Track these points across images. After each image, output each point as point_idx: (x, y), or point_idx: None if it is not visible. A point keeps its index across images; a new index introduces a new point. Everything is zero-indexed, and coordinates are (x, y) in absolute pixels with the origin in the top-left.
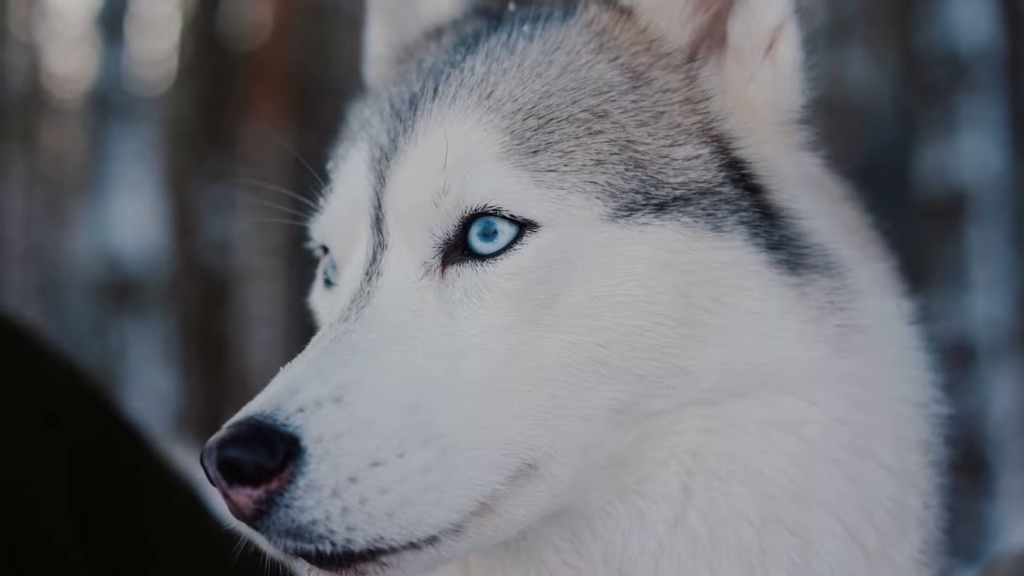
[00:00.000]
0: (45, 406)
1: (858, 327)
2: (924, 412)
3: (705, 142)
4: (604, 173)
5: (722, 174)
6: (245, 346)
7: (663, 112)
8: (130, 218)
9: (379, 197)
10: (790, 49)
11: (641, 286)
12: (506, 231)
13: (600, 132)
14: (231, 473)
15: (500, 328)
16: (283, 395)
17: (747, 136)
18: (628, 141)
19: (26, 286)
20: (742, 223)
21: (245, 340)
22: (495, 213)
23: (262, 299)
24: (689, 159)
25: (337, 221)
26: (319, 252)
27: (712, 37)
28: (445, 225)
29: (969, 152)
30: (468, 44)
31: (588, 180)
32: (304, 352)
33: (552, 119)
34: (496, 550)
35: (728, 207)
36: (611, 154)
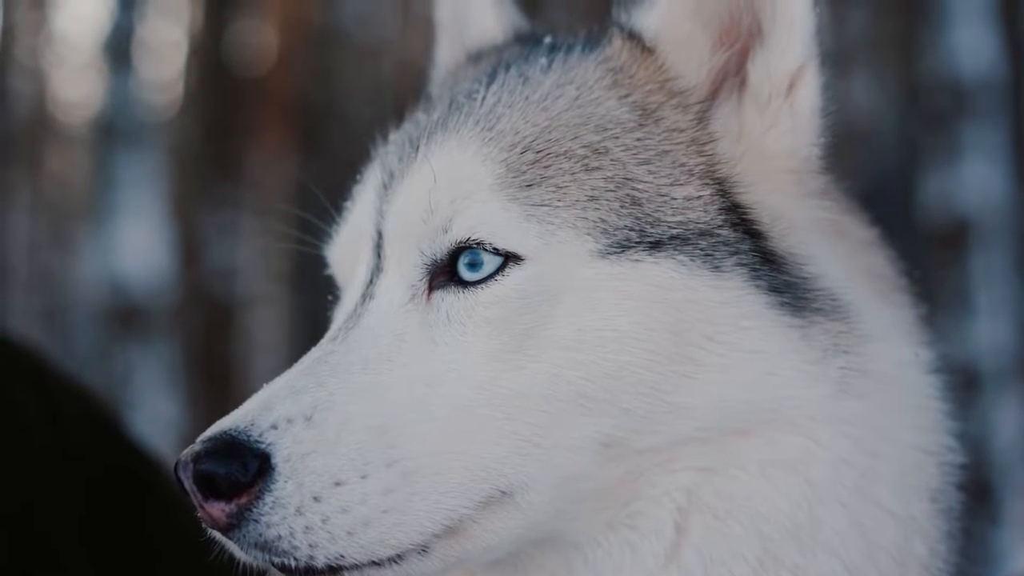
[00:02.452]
0: (56, 430)
1: (864, 371)
2: (935, 460)
3: (707, 184)
4: (597, 209)
5: (721, 217)
6: (249, 372)
7: (667, 151)
8: (135, 244)
9: (381, 220)
10: (809, 93)
11: (629, 321)
12: (490, 261)
13: (597, 168)
14: (205, 486)
15: (479, 355)
16: (257, 411)
17: (753, 182)
18: (626, 178)
19: (31, 311)
20: (741, 265)
21: (249, 366)
22: (478, 246)
23: (267, 325)
24: (689, 199)
25: (344, 245)
26: (336, 276)
27: (734, 77)
28: (433, 247)
29: (973, 179)
30: (492, 73)
31: (580, 216)
32: (287, 371)
33: (550, 154)
34: (490, 574)
35: (727, 249)
36: (606, 191)
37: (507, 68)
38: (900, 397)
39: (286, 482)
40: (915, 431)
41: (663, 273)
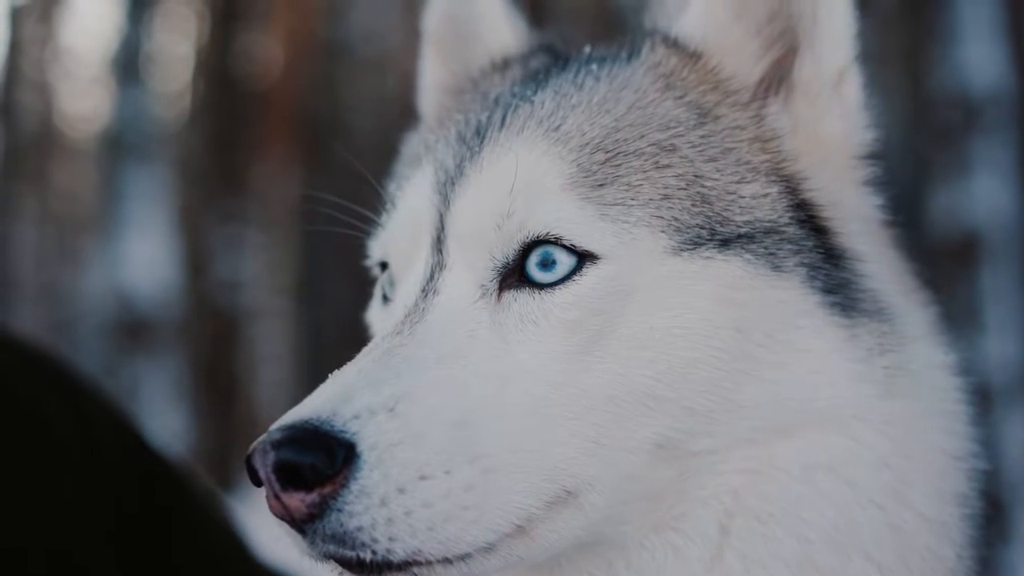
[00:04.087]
0: (87, 441)
1: (906, 370)
2: (963, 465)
3: (774, 181)
4: (671, 208)
5: (788, 214)
6: (255, 385)
7: (731, 149)
8: (142, 257)
9: (442, 218)
10: (855, 88)
11: (700, 319)
12: (565, 261)
13: (668, 166)
14: (286, 475)
15: (551, 356)
16: (337, 401)
17: (817, 176)
18: (696, 176)
19: (38, 325)
20: (802, 264)
21: (255, 379)
22: (556, 242)
23: (272, 338)
24: (756, 197)
25: (399, 239)
26: (376, 270)
27: (778, 78)
28: (505, 249)
29: (981, 194)
30: (537, 79)
31: (654, 214)
32: (353, 362)
33: (620, 153)
34: (528, 574)
35: (790, 247)
36: (678, 188)
37: (555, 74)
38: (935, 400)
39: (371, 471)
40: (947, 435)
41: (731, 271)
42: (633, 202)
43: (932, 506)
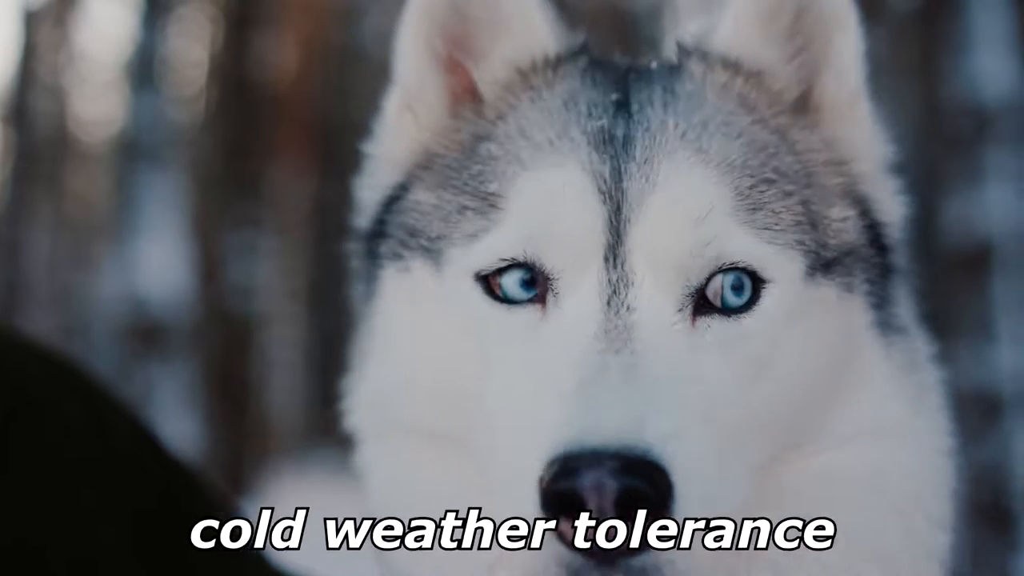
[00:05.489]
0: (108, 449)
1: (927, 388)
2: (954, 462)
3: (850, 204)
4: (803, 232)
5: (864, 236)
6: (267, 390)
7: (813, 172)
8: (155, 262)
9: (617, 232)
10: (867, 104)
11: (820, 343)
12: (747, 287)
13: (791, 194)
14: (623, 504)
15: (736, 381)
16: (636, 427)
17: (880, 198)
18: (804, 201)
19: (51, 329)
20: (867, 282)
21: (267, 384)
22: (743, 269)
23: (285, 344)
24: (841, 220)
25: (560, 243)
26: (496, 264)
27: (803, 100)
28: (700, 275)
29: (994, 203)
30: (639, 89)
31: (795, 239)
32: (597, 378)
33: (759, 179)
34: None
35: (860, 266)
36: (801, 214)
37: (649, 85)
38: (945, 413)
39: (683, 504)
40: (945, 436)
41: (833, 295)
42: (777, 227)
43: (939, 507)
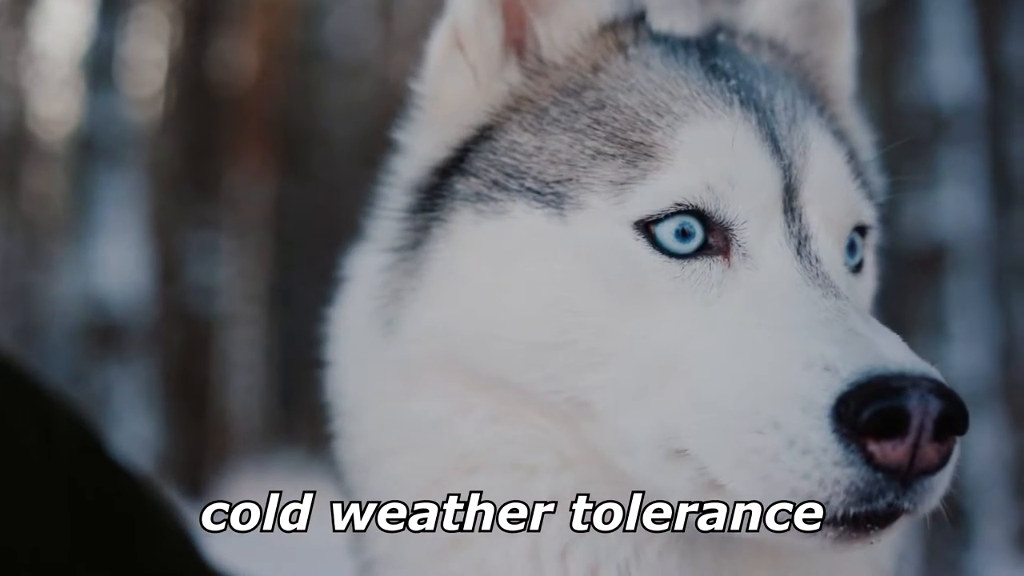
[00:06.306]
0: (48, 446)
1: None
2: None
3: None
4: (874, 204)
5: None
6: (227, 391)
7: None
8: (113, 262)
9: (791, 186)
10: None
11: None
12: (859, 248)
13: (860, 169)
14: (940, 426)
15: None
16: (915, 358)
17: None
18: (861, 175)
19: (7, 329)
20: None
21: (227, 385)
22: (862, 230)
23: (244, 345)
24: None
25: (744, 190)
26: (668, 209)
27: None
28: (850, 234)
29: (950, 205)
30: (730, 58)
31: (876, 207)
32: (847, 317)
33: (849, 147)
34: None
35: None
36: (864, 186)
37: (734, 58)
38: None
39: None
40: None
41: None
42: (871, 197)
43: None
